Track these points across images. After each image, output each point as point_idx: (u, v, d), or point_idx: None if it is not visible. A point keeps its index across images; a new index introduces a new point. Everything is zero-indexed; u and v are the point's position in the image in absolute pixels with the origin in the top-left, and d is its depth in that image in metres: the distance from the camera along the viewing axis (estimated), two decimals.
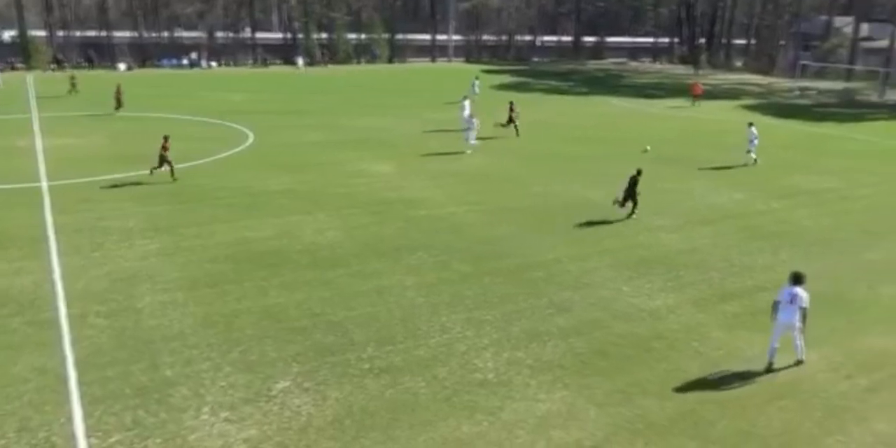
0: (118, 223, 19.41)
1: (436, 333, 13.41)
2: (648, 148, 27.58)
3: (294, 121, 37.80)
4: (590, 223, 20.49)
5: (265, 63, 76.18)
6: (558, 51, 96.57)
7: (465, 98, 37.01)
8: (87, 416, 10.50)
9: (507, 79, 64.60)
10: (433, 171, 26.32)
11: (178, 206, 21.27)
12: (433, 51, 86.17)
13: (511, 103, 34.94)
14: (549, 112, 43.98)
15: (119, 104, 38.76)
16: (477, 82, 49.80)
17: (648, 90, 59.64)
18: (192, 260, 16.82)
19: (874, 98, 55.66)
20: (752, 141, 28.57)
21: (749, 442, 10.22)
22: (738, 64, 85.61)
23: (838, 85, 64.04)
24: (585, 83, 64.69)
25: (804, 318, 11.89)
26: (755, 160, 28.52)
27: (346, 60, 79.39)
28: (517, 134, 33.66)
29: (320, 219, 20.25)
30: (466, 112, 36.37)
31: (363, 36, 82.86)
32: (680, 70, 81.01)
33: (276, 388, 11.38)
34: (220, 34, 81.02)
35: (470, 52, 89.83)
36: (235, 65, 76.27)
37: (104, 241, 18.01)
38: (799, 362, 12.27)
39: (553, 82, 63.85)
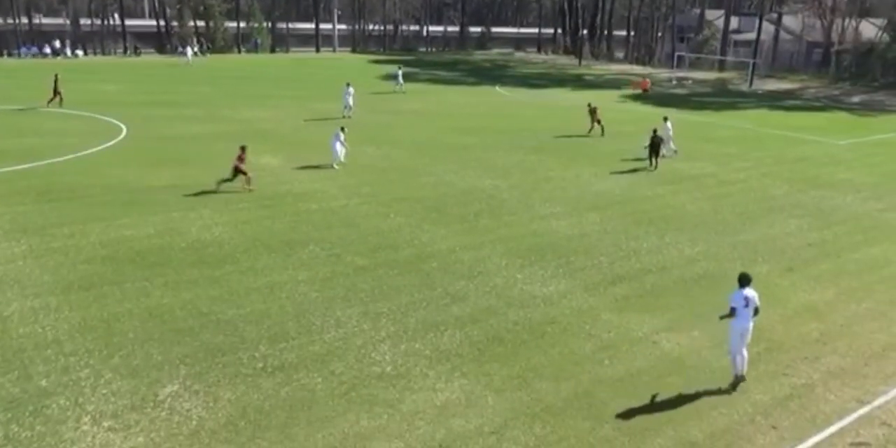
0: None
1: (331, 328, 13.30)
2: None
3: (172, 112, 36.32)
4: (483, 212, 20.83)
5: (137, 52, 72.70)
6: (445, 41, 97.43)
7: (347, 85, 36.71)
8: None
9: (394, 69, 64.46)
10: (322, 163, 25.97)
11: (46, 205, 20.04)
12: (317, 40, 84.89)
13: (589, 104, 34.77)
14: (437, 102, 44.31)
15: (57, 95, 36.33)
16: (400, 73, 48.52)
17: (534, 80, 61.08)
18: (64, 262, 15.91)
19: (744, 87, 59.23)
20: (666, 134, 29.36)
21: (640, 418, 10.73)
22: (620, 55, 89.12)
23: (712, 75, 67.72)
24: (472, 73, 65.52)
25: (756, 315, 11.56)
26: (675, 151, 29.28)
27: (225, 50, 77.01)
28: (602, 133, 33.39)
29: (206, 215, 19.60)
30: (350, 100, 36.08)
31: (243, 24, 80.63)
32: (564, 60, 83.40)
33: (164, 393, 10.97)
34: (84, 21, 76.78)
35: (356, 42, 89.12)
36: (104, 53, 72.44)
37: None
38: (740, 379, 11.69)
39: (440, 72, 64.29)
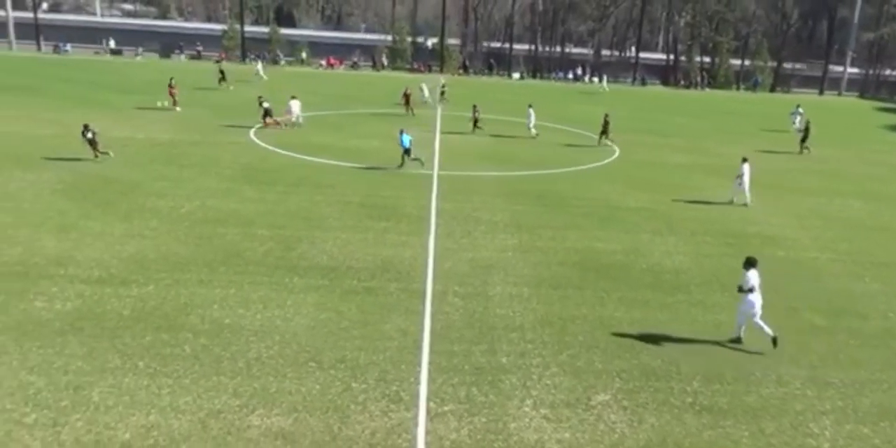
0: (487, 216, 20.88)
1: (771, 383, 12.06)
2: None
3: (660, 141, 36.99)
4: None
5: (644, 83, 75.76)
6: None
7: None
8: (431, 381, 11.48)
9: None
10: (800, 211, 23.69)
11: (539, 208, 22.17)
12: (822, 82, 77.55)
13: None
14: None
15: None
16: (800, 110, 43.72)
17: None
18: (542, 260, 17.40)
19: None
20: None
21: None
22: None
23: None
24: None
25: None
26: None
27: (724, 86, 75.44)
28: None
29: (670, 241, 19.50)
30: None
31: (747, 62, 77.96)
32: None
33: (596, 399, 11.23)
34: (605, 52, 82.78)
35: (866, 88, 79.07)
36: (615, 82, 77.18)
37: (473, 230, 19.52)
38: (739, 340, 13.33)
39: None
